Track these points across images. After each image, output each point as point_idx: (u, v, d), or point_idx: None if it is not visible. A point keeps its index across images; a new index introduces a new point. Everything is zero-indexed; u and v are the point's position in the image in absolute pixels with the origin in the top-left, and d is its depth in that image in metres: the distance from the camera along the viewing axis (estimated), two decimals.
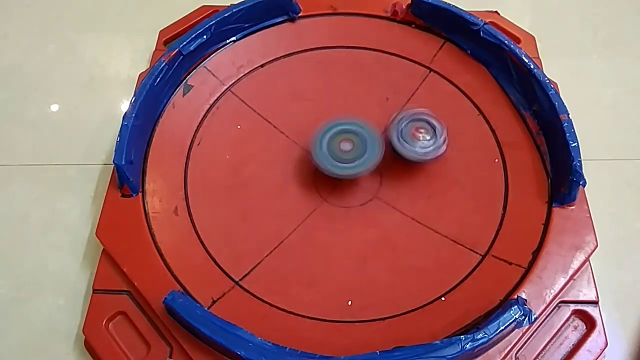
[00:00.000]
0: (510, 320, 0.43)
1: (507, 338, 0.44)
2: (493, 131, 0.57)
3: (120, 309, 0.47)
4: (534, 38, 0.63)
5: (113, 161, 0.50)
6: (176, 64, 0.57)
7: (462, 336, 0.42)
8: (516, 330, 0.45)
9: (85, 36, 0.72)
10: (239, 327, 0.43)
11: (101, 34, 0.72)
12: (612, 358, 0.49)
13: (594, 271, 0.49)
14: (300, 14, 0.64)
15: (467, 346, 0.41)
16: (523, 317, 0.44)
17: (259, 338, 0.43)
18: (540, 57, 0.63)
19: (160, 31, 0.64)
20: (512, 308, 0.43)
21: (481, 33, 0.59)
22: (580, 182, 0.49)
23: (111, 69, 0.69)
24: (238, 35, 0.62)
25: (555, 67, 0.64)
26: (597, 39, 0.70)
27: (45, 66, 0.69)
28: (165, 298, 0.44)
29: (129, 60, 0.64)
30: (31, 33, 0.71)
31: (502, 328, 0.42)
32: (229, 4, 0.61)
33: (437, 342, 0.42)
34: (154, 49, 0.64)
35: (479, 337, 0.42)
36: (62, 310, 0.51)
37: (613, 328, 0.50)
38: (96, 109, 0.64)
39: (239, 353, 0.42)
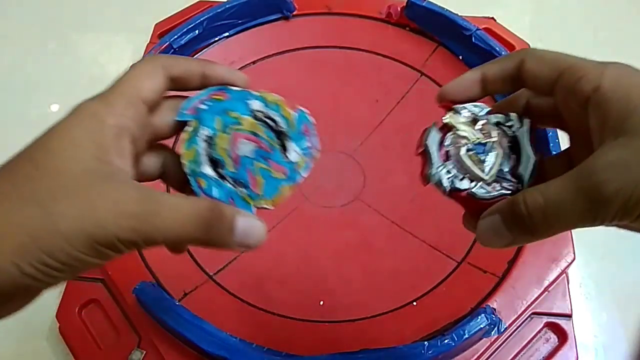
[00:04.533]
0: (477, 329, 0.42)
1: (474, 347, 0.44)
2: None
3: (93, 296, 0.48)
4: (528, 46, 0.62)
5: None
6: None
7: (425, 342, 0.41)
8: (484, 339, 0.44)
9: (85, 36, 0.73)
10: (205, 321, 0.43)
11: (101, 34, 0.73)
12: (612, 358, 0.48)
13: (594, 271, 0.48)
14: (294, 13, 0.64)
15: (430, 352, 0.41)
16: (491, 326, 0.44)
17: (225, 332, 0.44)
18: None
19: (156, 24, 0.65)
20: (480, 317, 0.43)
21: (473, 39, 0.58)
22: None
23: (111, 68, 0.69)
24: (231, 31, 0.63)
25: None
26: (597, 39, 0.69)
27: (45, 66, 0.70)
28: (135, 288, 0.45)
29: (129, 60, 0.65)
30: (31, 33, 0.72)
31: (467, 336, 0.42)
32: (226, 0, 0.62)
33: (400, 346, 0.42)
34: (148, 41, 0.64)
35: (442, 344, 0.41)
36: None
37: (613, 328, 0.49)
38: None
39: (202, 347, 0.42)
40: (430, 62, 0.62)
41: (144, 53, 0.63)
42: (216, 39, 0.62)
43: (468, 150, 0.28)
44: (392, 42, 0.63)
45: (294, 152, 0.28)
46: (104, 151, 0.23)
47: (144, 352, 0.45)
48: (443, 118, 0.29)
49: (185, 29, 0.59)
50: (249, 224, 0.24)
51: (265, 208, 0.27)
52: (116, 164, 0.24)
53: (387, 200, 0.54)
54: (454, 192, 0.28)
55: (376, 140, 0.58)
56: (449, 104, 0.29)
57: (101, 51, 0.71)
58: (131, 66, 0.26)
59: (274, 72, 0.62)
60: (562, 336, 0.46)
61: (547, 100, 0.27)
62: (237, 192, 0.27)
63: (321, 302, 0.49)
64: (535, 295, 0.46)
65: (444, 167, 0.28)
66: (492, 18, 0.64)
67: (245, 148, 0.27)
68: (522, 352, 0.45)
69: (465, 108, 0.29)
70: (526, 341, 0.46)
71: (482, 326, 0.43)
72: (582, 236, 0.51)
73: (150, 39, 0.64)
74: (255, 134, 0.27)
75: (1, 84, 0.68)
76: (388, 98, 0.60)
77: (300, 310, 0.48)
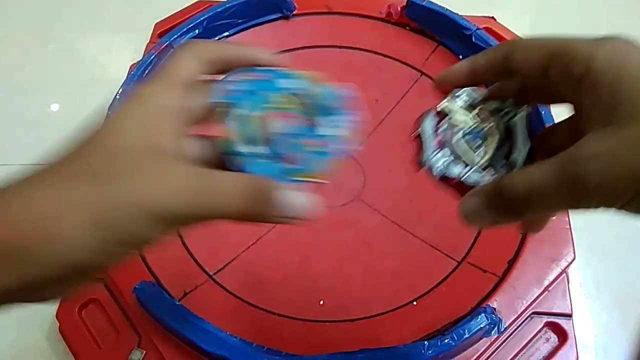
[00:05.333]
0: (477, 329, 0.42)
1: (474, 346, 0.44)
2: None
3: (93, 296, 0.48)
4: None
5: None
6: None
7: (425, 342, 0.41)
8: (484, 339, 0.44)
9: (85, 36, 0.73)
10: (205, 321, 0.43)
11: (101, 34, 0.73)
12: (612, 358, 0.48)
13: (594, 271, 0.48)
14: (294, 12, 0.64)
15: (430, 352, 0.41)
16: (491, 326, 0.44)
17: (225, 332, 0.44)
18: None
19: (156, 24, 0.65)
20: (480, 316, 0.43)
21: (473, 38, 0.58)
22: None
23: (111, 68, 0.70)
24: (231, 31, 0.63)
25: None
26: None
27: (45, 66, 0.70)
28: (135, 288, 0.45)
29: (129, 60, 0.65)
30: (31, 33, 0.72)
31: (467, 336, 0.42)
32: None
33: (400, 346, 0.42)
34: (148, 40, 0.64)
35: (442, 343, 0.41)
36: None
37: (613, 328, 0.50)
38: (96, 109, 0.65)
39: (202, 347, 0.42)
40: (430, 62, 0.62)
41: (144, 53, 0.63)
42: (216, 38, 0.62)
43: (463, 136, 0.28)
44: (392, 42, 0.63)
45: (329, 126, 0.27)
46: (152, 130, 0.24)
47: (144, 352, 0.45)
48: (439, 104, 0.29)
49: (185, 29, 0.59)
50: (288, 197, 0.24)
51: (307, 182, 0.27)
52: (165, 143, 0.24)
53: (387, 200, 0.54)
54: (447, 178, 0.28)
55: (376, 140, 0.58)
56: (447, 89, 0.29)
57: (101, 51, 0.71)
58: (171, 52, 0.28)
59: None
60: (562, 336, 0.46)
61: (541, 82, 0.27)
62: (275, 168, 0.26)
63: (321, 302, 0.49)
64: (536, 295, 0.46)
65: (437, 153, 0.28)
66: (492, 18, 0.64)
67: (280, 125, 0.27)
68: (522, 352, 0.45)
69: (462, 93, 0.29)
70: (526, 341, 0.46)
71: (482, 326, 0.43)
72: (582, 236, 0.51)
73: (150, 38, 0.64)
74: (289, 111, 0.27)
75: (1, 84, 0.68)
76: (388, 98, 0.60)
77: (300, 310, 0.48)
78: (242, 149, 0.27)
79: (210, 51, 0.27)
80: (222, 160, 0.27)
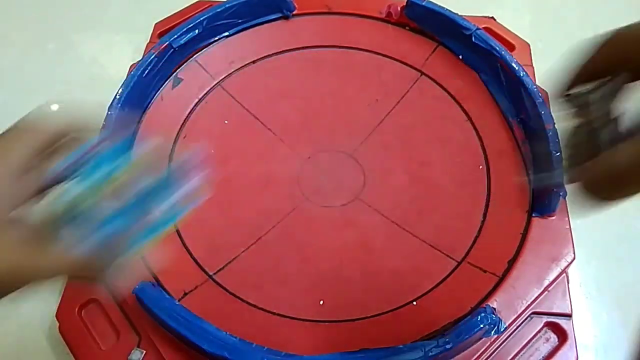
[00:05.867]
0: (477, 329, 0.42)
1: (474, 347, 0.44)
2: (479, 137, 0.57)
3: (93, 296, 0.48)
4: (528, 45, 0.62)
5: None
6: (166, 56, 0.58)
7: (425, 342, 0.41)
8: (484, 339, 0.44)
9: (85, 36, 0.73)
10: (205, 321, 0.44)
11: (101, 34, 0.73)
12: (612, 358, 0.48)
13: (594, 271, 0.49)
14: (294, 12, 0.64)
15: (430, 352, 0.41)
16: (491, 326, 0.44)
17: (225, 332, 0.44)
18: (540, 57, 0.62)
19: (156, 24, 0.65)
20: (480, 316, 0.43)
21: (473, 38, 0.58)
22: (561, 193, 0.48)
23: (111, 68, 0.70)
24: (231, 31, 0.63)
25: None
26: None
27: (45, 66, 0.70)
28: (135, 288, 0.45)
29: (129, 60, 0.65)
30: (31, 33, 0.73)
31: (467, 336, 0.42)
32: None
33: (401, 346, 0.42)
34: (148, 40, 0.64)
35: (442, 343, 0.41)
36: None
37: (613, 328, 0.50)
38: (96, 109, 0.65)
39: (202, 346, 0.42)
40: (430, 62, 0.62)
41: (144, 53, 0.63)
42: (216, 38, 0.62)
43: (588, 133, 0.28)
44: (392, 42, 0.63)
45: (160, 204, 0.29)
46: None
47: (144, 352, 0.45)
48: (562, 113, 0.29)
49: (185, 29, 0.59)
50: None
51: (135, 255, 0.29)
52: None
53: (387, 200, 0.54)
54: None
55: (376, 140, 0.58)
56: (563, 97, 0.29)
57: (101, 51, 0.71)
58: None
59: (274, 72, 0.62)
60: (562, 336, 0.46)
61: None
62: (102, 244, 0.28)
63: (321, 302, 0.49)
64: (535, 295, 0.46)
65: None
66: (492, 17, 0.65)
67: (111, 204, 0.28)
68: (522, 352, 0.46)
69: (573, 95, 0.29)
70: (526, 341, 0.46)
71: (482, 326, 0.43)
72: (582, 236, 0.51)
73: (150, 38, 0.64)
74: (120, 190, 0.29)
75: (1, 84, 0.68)
76: (388, 98, 0.60)
77: (300, 310, 0.48)
78: (70, 229, 0.28)
79: (37, 134, 0.30)
80: (50, 233, 0.28)
